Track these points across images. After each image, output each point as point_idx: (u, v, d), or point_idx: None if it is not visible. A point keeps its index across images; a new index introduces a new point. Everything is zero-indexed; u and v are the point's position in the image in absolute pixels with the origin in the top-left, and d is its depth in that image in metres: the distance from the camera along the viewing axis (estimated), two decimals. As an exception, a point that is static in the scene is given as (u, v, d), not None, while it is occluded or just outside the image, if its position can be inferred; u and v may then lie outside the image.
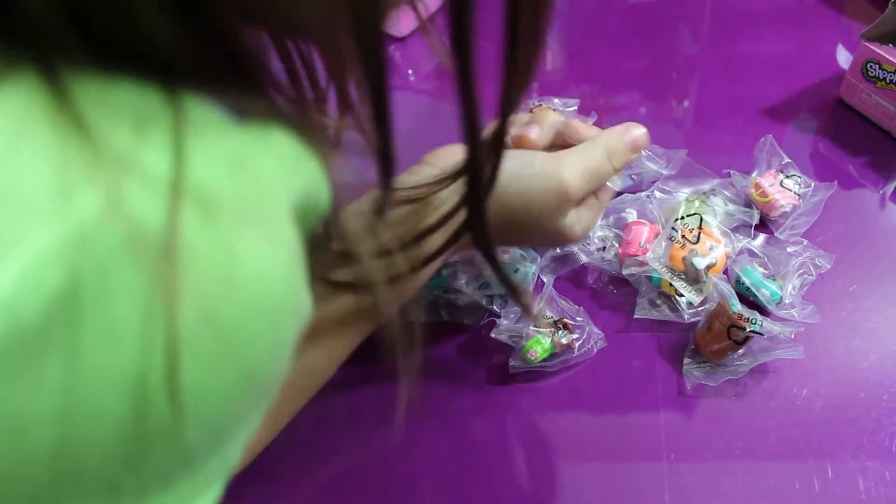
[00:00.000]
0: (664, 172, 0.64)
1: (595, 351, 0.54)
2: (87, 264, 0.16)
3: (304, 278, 0.21)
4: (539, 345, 0.52)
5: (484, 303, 0.56)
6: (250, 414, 0.21)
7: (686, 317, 0.54)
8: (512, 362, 0.53)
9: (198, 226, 0.17)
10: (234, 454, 0.22)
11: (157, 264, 0.17)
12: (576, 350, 0.53)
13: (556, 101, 0.70)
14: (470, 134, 0.31)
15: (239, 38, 0.21)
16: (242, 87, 0.22)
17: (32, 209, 0.16)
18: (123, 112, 0.18)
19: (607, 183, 0.51)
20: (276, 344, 0.20)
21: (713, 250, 0.55)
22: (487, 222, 0.38)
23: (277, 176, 0.20)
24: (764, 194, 0.60)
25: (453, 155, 0.49)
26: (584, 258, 0.59)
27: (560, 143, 0.52)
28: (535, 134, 0.51)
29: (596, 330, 0.54)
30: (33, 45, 0.18)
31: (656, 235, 0.57)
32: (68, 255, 0.16)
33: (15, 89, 0.17)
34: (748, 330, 0.50)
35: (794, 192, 0.60)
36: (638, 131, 0.50)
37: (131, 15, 0.18)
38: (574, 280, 0.59)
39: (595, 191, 0.50)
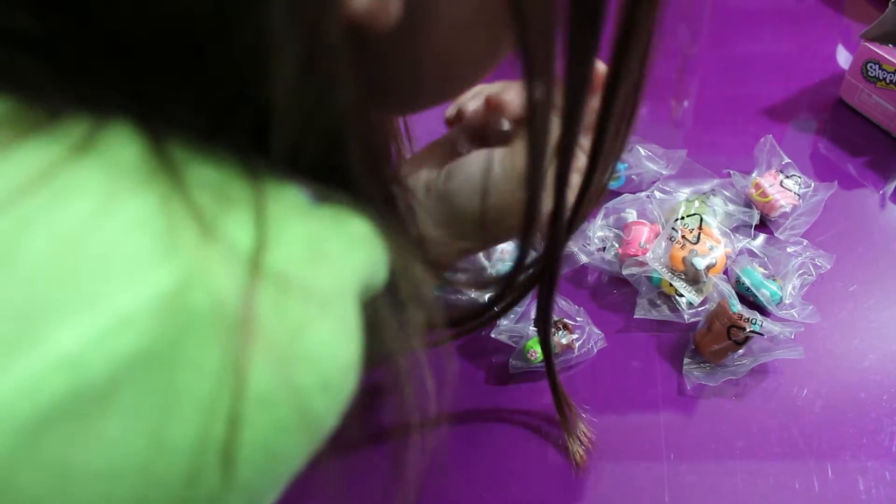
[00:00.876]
0: (664, 172, 0.64)
1: (595, 351, 0.54)
2: (163, 332, 0.16)
3: (358, 359, 0.22)
4: (538, 345, 0.52)
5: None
6: (285, 481, 0.22)
7: (686, 317, 0.54)
8: (512, 362, 0.53)
9: (271, 304, 0.18)
10: None
11: (230, 337, 0.17)
12: (576, 350, 0.53)
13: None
14: (556, 212, 0.31)
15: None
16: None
17: (118, 271, 0.16)
18: (211, 183, 0.18)
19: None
20: (325, 424, 0.21)
21: (713, 250, 0.55)
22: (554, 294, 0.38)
23: (348, 262, 0.21)
24: (764, 194, 0.60)
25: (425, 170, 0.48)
26: (584, 258, 0.59)
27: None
28: (473, 107, 0.49)
29: (596, 330, 0.54)
30: (136, 105, 0.18)
31: (656, 235, 0.57)
32: (146, 322, 0.16)
33: (116, 146, 0.17)
34: (748, 330, 0.50)
35: (794, 193, 0.60)
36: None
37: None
38: (574, 280, 0.59)
39: None
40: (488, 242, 0.48)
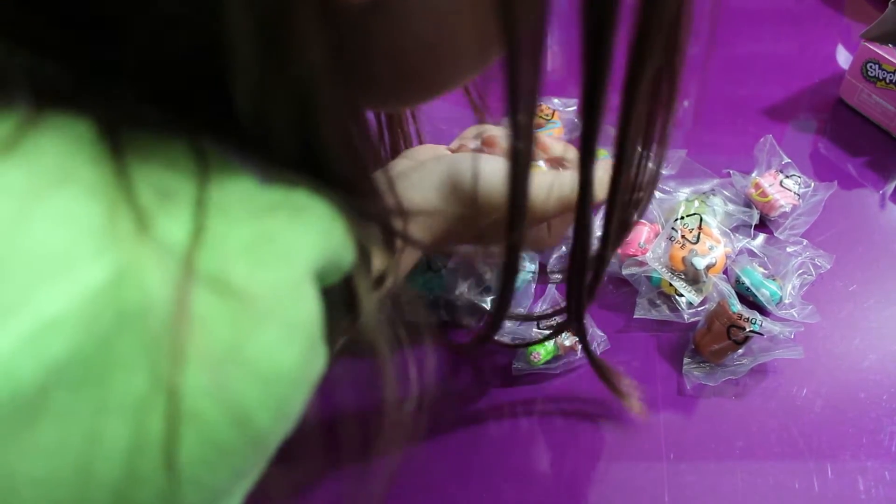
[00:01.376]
0: (664, 172, 0.64)
1: (598, 353, 0.54)
2: (91, 333, 0.16)
3: (318, 342, 0.21)
4: (542, 347, 0.52)
5: (485, 306, 0.56)
6: (251, 471, 0.21)
7: (686, 317, 0.54)
8: (515, 364, 0.53)
9: (209, 302, 0.17)
10: None
11: (163, 337, 0.16)
12: (578, 352, 0.53)
13: (555, 101, 0.70)
14: (581, 235, 0.33)
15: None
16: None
17: (45, 271, 0.15)
18: (156, 176, 0.18)
19: None
20: (281, 416, 0.20)
21: (713, 250, 0.55)
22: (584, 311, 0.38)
23: (299, 249, 0.20)
24: (764, 194, 0.60)
25: (432, 152, 0.49)
26: (584, 258, 0.59)
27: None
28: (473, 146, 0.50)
29: (599, 332, 0.54)
30: (92, 94, 0.18)
31: (656, 235, 0.58)
32: (73, 324, 0.15)
33: (48, 142, 0.17)
34: (748, 330, 0.50)
35: (794, 192, 0.60)
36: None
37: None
38: (574, 280, 0.59)
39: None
40: (477, 234, 0.47)
